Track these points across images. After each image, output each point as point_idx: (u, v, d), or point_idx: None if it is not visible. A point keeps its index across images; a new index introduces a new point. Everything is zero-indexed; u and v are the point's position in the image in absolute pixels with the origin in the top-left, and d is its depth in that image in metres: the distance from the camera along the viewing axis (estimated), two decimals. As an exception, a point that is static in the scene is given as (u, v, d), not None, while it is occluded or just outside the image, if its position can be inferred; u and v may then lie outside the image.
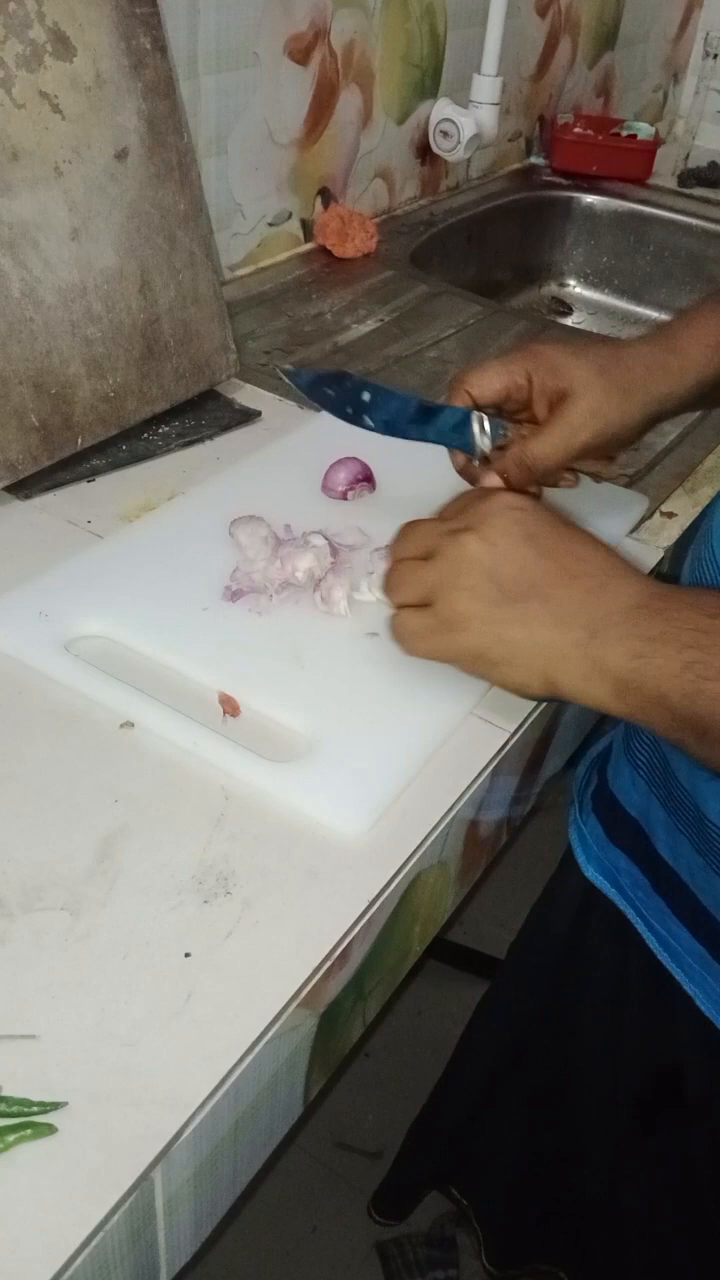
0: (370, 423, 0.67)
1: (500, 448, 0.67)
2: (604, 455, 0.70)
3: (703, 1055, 0.73)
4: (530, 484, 0.68)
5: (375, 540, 0.74)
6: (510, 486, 0.67)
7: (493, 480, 0.67)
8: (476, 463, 0.69)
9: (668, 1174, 0.86)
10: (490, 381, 0.67)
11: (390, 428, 0.68)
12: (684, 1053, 0.77)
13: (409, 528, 0.60)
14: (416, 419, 0.68)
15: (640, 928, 0.75)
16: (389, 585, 0.59)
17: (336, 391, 0.67)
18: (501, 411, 0.69)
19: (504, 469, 0.67)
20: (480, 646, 0.56)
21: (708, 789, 0.64)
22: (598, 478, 0.75)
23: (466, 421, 0.67)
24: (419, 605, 0.57)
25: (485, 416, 0.67)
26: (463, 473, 0.71)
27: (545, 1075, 0.96)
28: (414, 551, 0.58)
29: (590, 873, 0.79)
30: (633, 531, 0.83)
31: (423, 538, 0.58)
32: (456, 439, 0.68)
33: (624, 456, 0.75)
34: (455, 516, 0.58)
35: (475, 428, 0.67)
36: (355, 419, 0.67)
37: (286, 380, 0.70)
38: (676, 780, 0.68)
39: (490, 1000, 1.05)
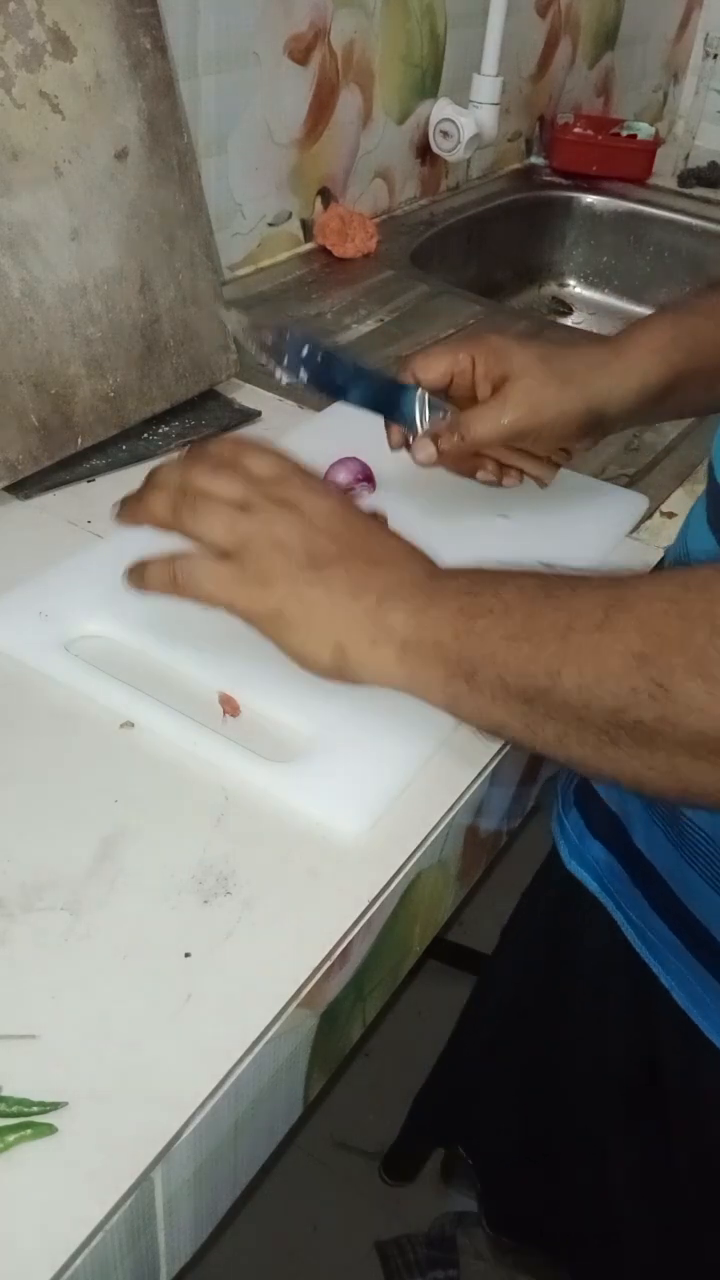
0: (304, 375, 0.69)
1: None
2: (545, 447, 0.72)
3: (680, 1047, 0.74)
4: (458, 452, 0.71)
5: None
6: (445, 457, 0.70)
7: (426, 449, 0.70)
8: (413, 439, 0.72)
9: (653, 1165, 0.86)
10: (436, 364, 0.69)
11: (325, 385, 0.69)
12: (663, 1046, 0.78)
13: (214, 466, 0.58)
14: (357, 383, 0.70)
15: (619, 920, 0.76)
16: (193, 514, 0.57)
17: (277, 341, 0.69)
18: (448, 396, 0.71)
19: (438, 435, 0.70)
20: (279, 606, 0.56)
21: None
22: (541, 482, 0.76)
23: (410, 398, 0.68)
24: (218, 552, 0.57)
25: (427, 394, 0.69)
26: (397, 449, 0.73)
27: (534, 1068, 0.96)
28: (228, 495, 0.57)
29: (571, 865, 0.80)
30: (633, 531, 0.83)
31: (239, 488, 0.57)
32: (397, 414, 0.70)
33: (579, 456, 0.77)
34: (277, 484, 0.58)
35: (416, 404, 0.69)
36: (293, 371, 0.69)
37: (226, 325, 0.71)
38: None
39: (478, 994, 1.05)
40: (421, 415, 0.69)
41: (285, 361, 0.69)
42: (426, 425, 0.70)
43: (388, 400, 0.70)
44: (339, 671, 0.57)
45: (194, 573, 0.57)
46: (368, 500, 0.80)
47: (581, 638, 0.49)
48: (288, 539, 0.56)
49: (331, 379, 0.70)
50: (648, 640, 0.47)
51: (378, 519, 0.60)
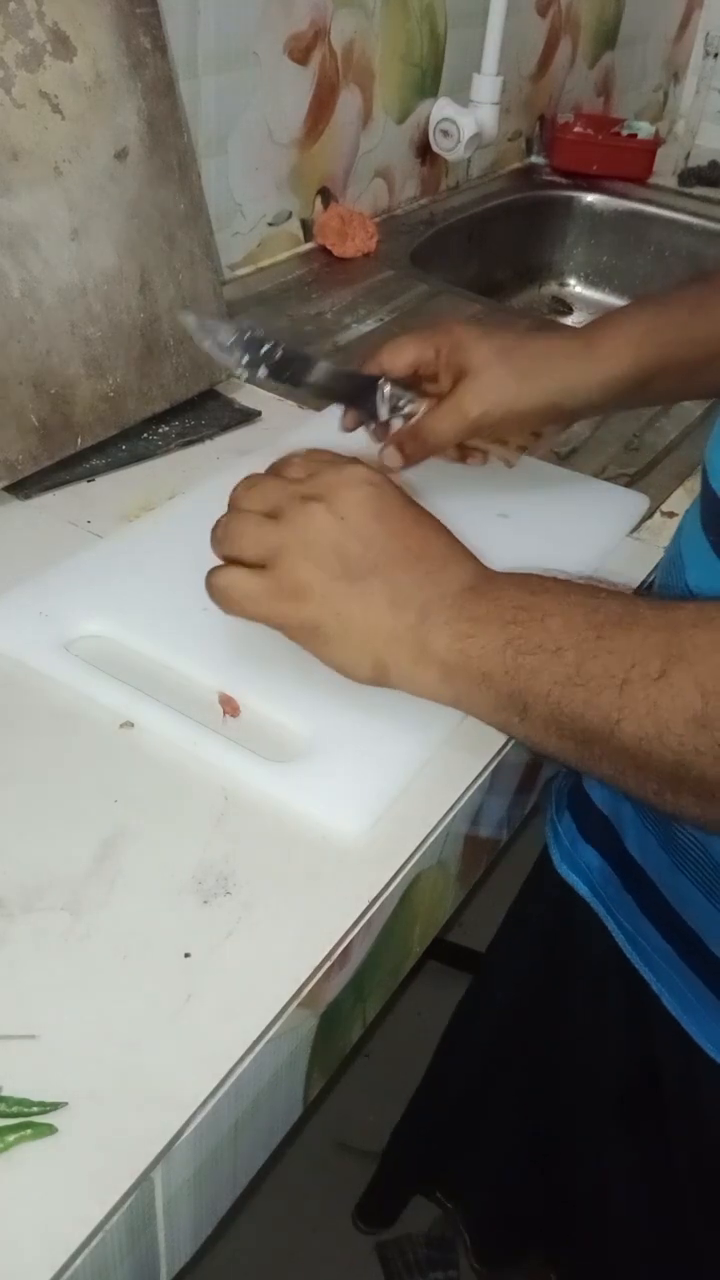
0: (264, 373, 0.69)
1: (406, 416, 0.70)
2: (510, 435, 0.72)
3: (674, 1053, 0.74)
4: (423, 455, 0.71)
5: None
6: (410, 460, 0.70)
7: (393, 456, 0.70)
8: (373, 427, 0.72)
9: (651, 1168, 0.86)
10: (402, 354, 0.69)
11: (285, 376, 0.69)
12: (658, 1049, 0.78)
13: (253, 480, 0.58)
14: (318, 375, 0.70)
15: (611, 926, 0.76)
16: (223, 534, 0.57)
17: (235, 339, 0.69)
18: (413, 384, 0.72)
19: (399, 438, 0.70)
20: (316, 619, 0.55)
21: None
22: (508, 463, 0.77)
23: (373, 387, 0.69)
24: (252, 564, 0.56)
25: (390, 384, 0.69)
26: (350, 431, 0.73)
27: (530, 1071, 0.96)
28: (259, 506, 0.57)
29: (564, 870, 0.80)
30: (633, 531, 0.83)
31: (268, 494, 0.57)
32: (361, 403, 0.70)
33: (553, 439, 0.79)
34: (306, 480, 0.57)
35: (379, 394, 0.69)
36: (250, 369, 0.69)
37: (189, 328, 0.71)
38: None
39: (471, 999, 1.05)
40: (383, 404, 0.70)
41: (244, 359, 0.69)
42: (388, 414, 0.70)
43: (350, 391, 0.71)
44: (379, 682, 0.56)
45: (226, 588, 0.57)
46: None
47: (639, 690, 0.47)
48: (320, 545, 0.54)
49: (292, 373, 0.70)
50: (710, 702, 0.45)
51: (413, 502, 0.57)
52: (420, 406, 0.71)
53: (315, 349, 1.00)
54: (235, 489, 0.59)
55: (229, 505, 0.58)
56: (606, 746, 0.49)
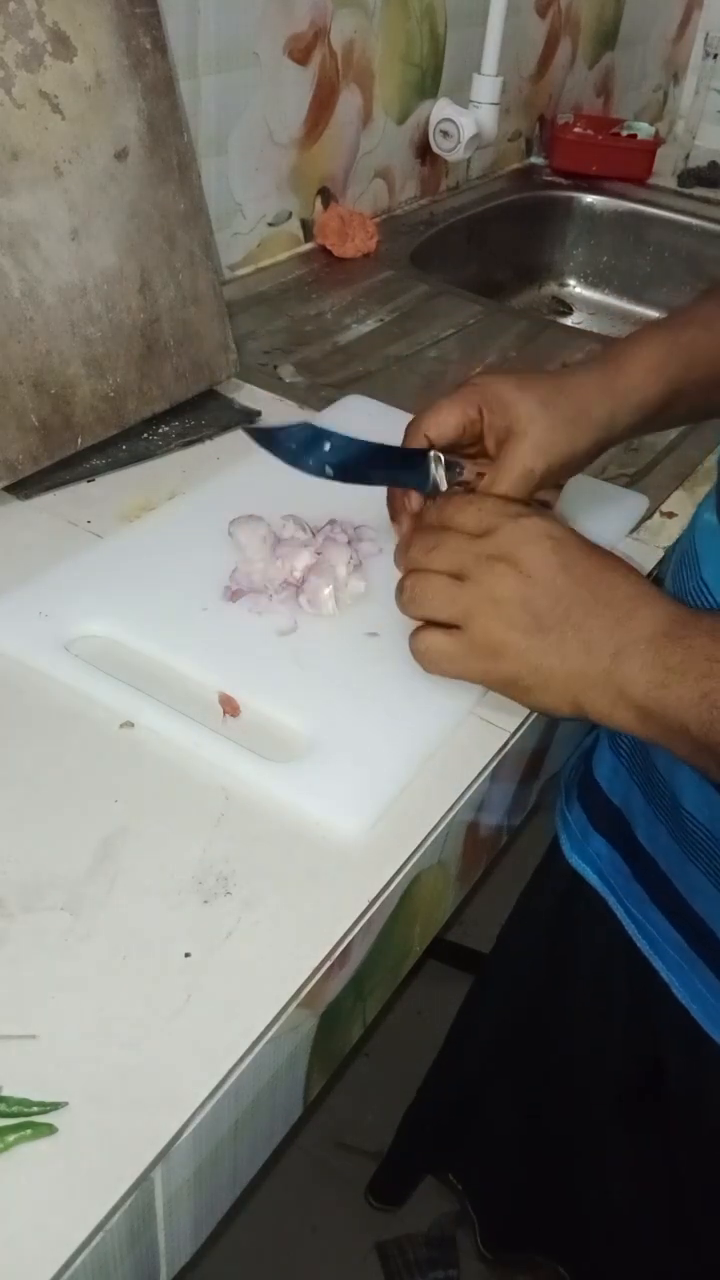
0: (330, 472, 0.68)
1: (460, 483, 0.68)
2: (558, 482, 0.71)
3: (681, 1044, 0.74)
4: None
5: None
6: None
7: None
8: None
9: (653, 1161, 0.86)
10: (445, 420, 0.67)
11: (350, 474, 0.68)
12: (664, 1042, 0.78)
13: (430, 539, 0.59)
14: (375, 463, 0.68)
15: (621, 915, 0.77)
16: (415, 597, 0.59)
17: (297, 444, 0.68)
18: (457, 450, 0.70)
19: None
20: (514, 674, 0.56)
21: (685, 777, 0.65)
22: (549, 505, 0.76)
23: (424, 461, 0.67)
24: (445, 624, 0.58)
25: (441, 455, 0.68)
26: (400, 515, 0.70)
27: (534, 1064, 0.96)
28: (443, 566, 0.58)
29: (574, 860, 0.80)
30: (633, 531, 0.83)
31: (452, 555, 0.58)
32: (414, 479, 0.68)
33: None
34: (486, 538, 0.58)
35: (433, 467, 0.67)
36: (317, 470, 0.68)
37: (250, 438, 0.70)
38: (655, 769, 0.69)
39: (479, 989, 1.05)
40: (439, 476, 0.68)
41: (311, 463, 0.68)
42: (445, 485, 0.68)
43: (405, 469, 0.68)
44: (579, 718, 0.57)
45: (426, 652, 0.59)
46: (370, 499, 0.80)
47: None
48: (510, 604, 0.55)
49: (354, 465, 0.69)
50: None
51: (594, 547, 0.58)
52: (470, 471, 0.69)
53: (399, 387, 0.97)
54: (414, 548, 0.60)
55: (407, 562, 0.60)
56: None
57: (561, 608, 0.55)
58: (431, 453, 0.67)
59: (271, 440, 0.67)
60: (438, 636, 0.58)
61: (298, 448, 0.67)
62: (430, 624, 0.59)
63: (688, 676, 0.51)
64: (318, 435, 0.67)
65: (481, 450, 0.69)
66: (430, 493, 0.68)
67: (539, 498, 0.73)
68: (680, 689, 0.51)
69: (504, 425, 0.66)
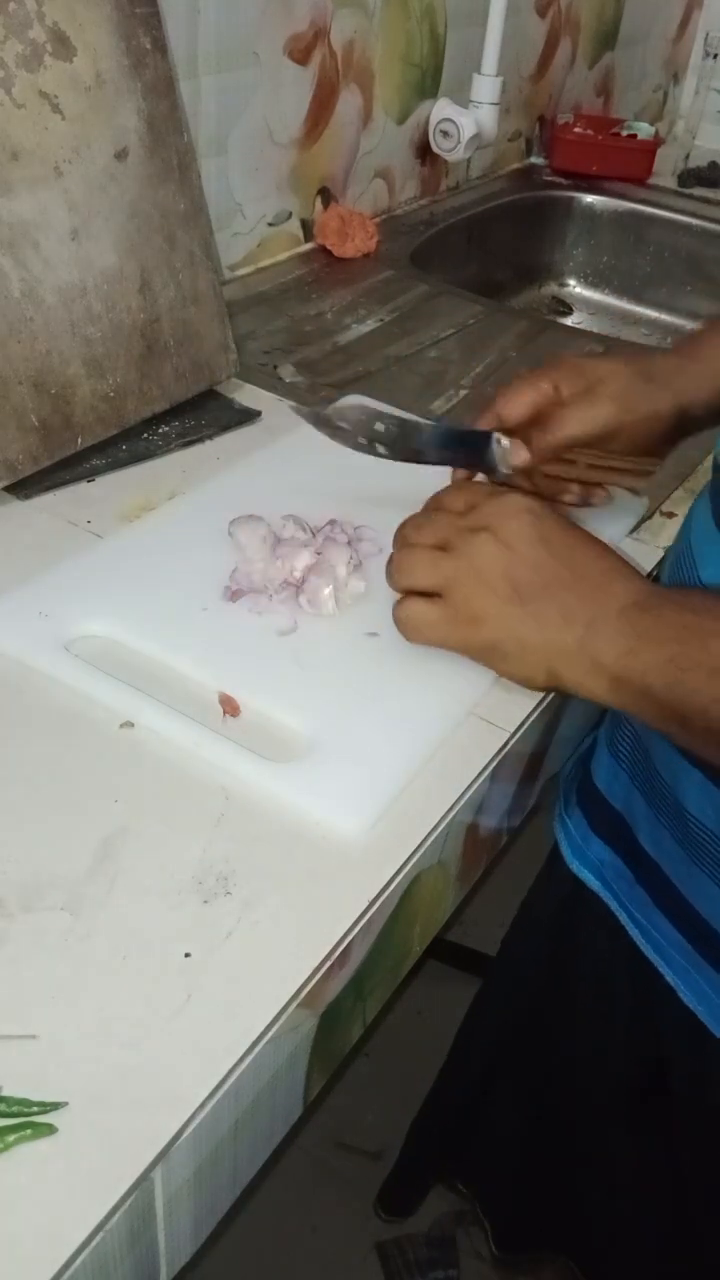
0: (382, 450, 0.68)
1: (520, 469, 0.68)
2: (634, 451, 0.71)
3: (685, 1046, 0.74)
4: (551, 451, 0.68)
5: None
6: (538, 455, 0.68)
7: (520, 452, 0.67)
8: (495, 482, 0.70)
9: (657, 1163, 0.86)
10: (519, 398, 0.68)
11: (404, 453, 0.68)
12: (668, 1044, 0.78)
13: (419, 518, 0.62)
14: (433, 443, 0.69)
15: (623, 920, 0.76)
16: (399, 568, 0.61)
17: (349, 423, 0.68)
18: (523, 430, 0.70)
19: (529, 437, 0.67)
20: (493, 640, 0.59)
21: (688, 781, 0.65)
22: (635, 490, 0.76)
23: (488, 443, 0.67)
24: (428, 594, 0.60)
25: (504, 436, 0.68)
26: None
27: (539, 1067, 0.96)
28: (429, 540, 0.60)
29: (575, 866, 0.80)
30: (633, 531, 0.83)
31: (436, 529, 0.61)
32: (473, 459, 0.69)
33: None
34: (470, 513, 0.60)
35: (495, 448, 0.68)
36: (369, 448, 0.68)
37: (299, 416, 0.70)
38: (657, 772, 0.69)
39: (484, 994, 1.05)
40: (501, 459, 0.67)
41: (363, 441, 0.68)
42: (506, 470, 0.68)
43: (464, 449, 0.68)
44: (552, 688, 0.60)
45: (408, 618, 0.61)
46: (370, 498, 0.80)
47: None
48: (490, 573, 0.58)
49: (407, 446, 0.68)
50: None
51: (572, 524, 0.60)
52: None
53: (399, 386, 0.98)
54: (402, 527, 0.62)
55: (398, 541, 0.62)
56: None
57: (540, 579, 0.57)
58: (494, 435, 0.67)
59: (322, 418, 0.68)
60: (419, 604, 0.60)
61: (350, 426, 0.68)
62: (413, 593, 0.61)
63: (655, 642, 0.54)
64: (370, 415, 0.68)
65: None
66: (496, 475, 0.68)
67: (641, 465, 0.72)
68: (648, 654, 0.54)
69: (584, 385, 0.67)
